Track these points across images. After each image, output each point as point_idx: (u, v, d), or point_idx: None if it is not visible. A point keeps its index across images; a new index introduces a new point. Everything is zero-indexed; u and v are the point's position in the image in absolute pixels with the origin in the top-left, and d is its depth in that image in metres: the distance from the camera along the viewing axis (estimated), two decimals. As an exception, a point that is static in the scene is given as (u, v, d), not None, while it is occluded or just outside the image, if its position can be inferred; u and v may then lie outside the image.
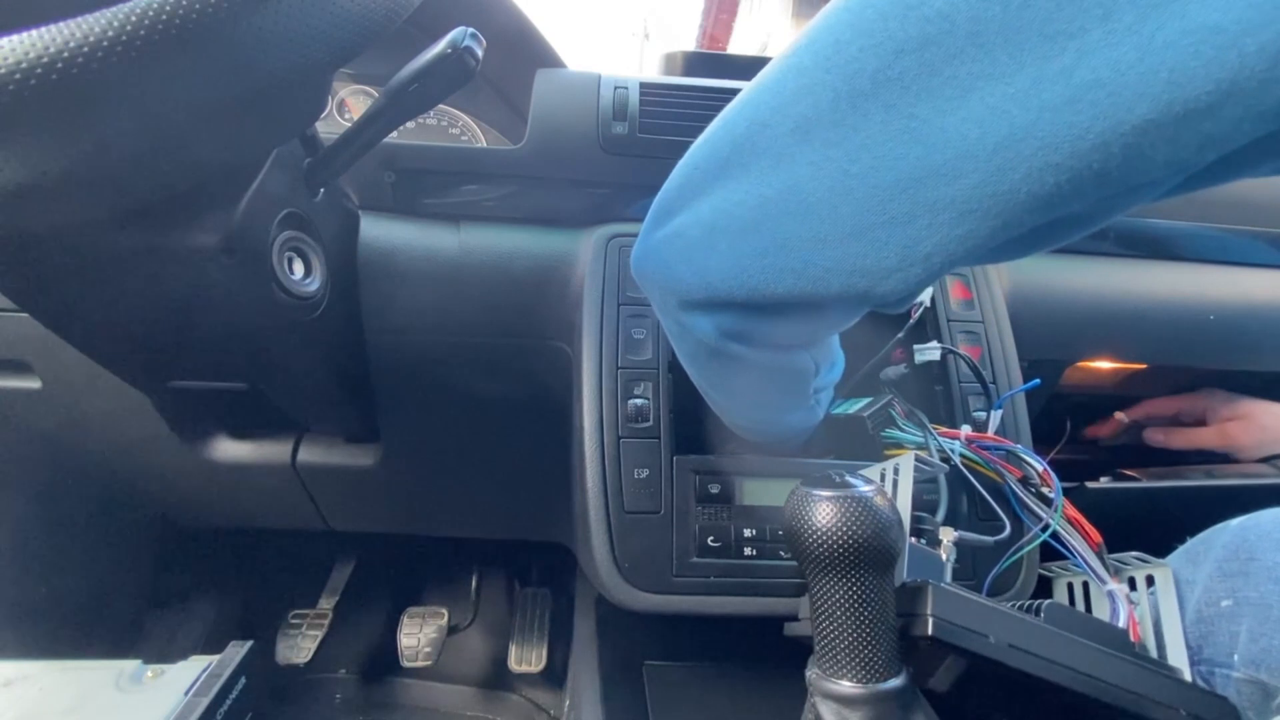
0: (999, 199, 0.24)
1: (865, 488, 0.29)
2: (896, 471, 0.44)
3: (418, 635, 0.87)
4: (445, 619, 0.90)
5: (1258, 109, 0.20)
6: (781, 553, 0.49)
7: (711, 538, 0.49)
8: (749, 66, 0.71)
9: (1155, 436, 0.75)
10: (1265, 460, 0.70)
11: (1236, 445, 0.71)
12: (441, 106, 0.70)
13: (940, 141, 0.24)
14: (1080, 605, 0.50)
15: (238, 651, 0.49)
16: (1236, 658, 0.40)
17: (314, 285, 0.49)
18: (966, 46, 0.23)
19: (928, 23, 0.23)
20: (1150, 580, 0.47)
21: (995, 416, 0.52)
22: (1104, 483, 0.69)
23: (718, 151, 0.31)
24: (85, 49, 0.24)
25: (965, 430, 0.50)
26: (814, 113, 0.26)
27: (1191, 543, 0.48)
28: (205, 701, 0.45)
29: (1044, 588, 0.53)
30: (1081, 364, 0.69)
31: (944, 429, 0.51)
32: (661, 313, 0.37)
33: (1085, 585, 0.50)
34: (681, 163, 0.33)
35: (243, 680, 0.48)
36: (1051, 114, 0.22)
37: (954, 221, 0.25)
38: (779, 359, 0.37)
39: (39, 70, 0.24)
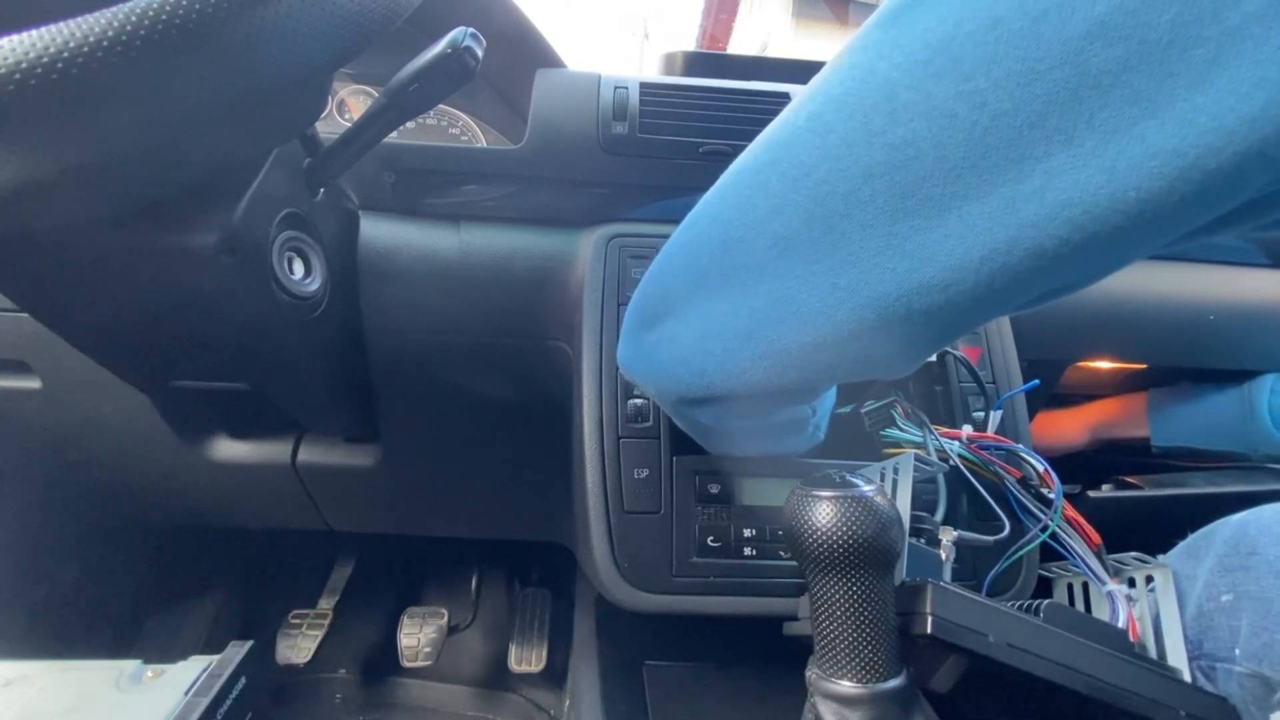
0: (992, 297, 0.24)
1: (865, 487, 0.29)
2: (896, 471, 0.44)
3: (418, 635, 0.87)
4: (445, 619, 0.89)
5: (1227, 208, 0.21)
6: (781, 553, 0.49)
7: (711, 538, 0.49)
8: (749, 66, 0.72)
9: None
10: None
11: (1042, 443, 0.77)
12: (441, 106, 0.70)
13: (926, 256, 0.24)
14: (1080, 606, 0.50)
15: (238, 651, 0.49)
16: (1238, 652, 0.40)
17: (314, 285, 0.49)
18: (934, 171, 0.23)
19: (893, 149, 0.24)
20: (1149, 580, 0.47)
21: (995, 417, 0.52)
22: (1106, 491, 0.69)
23: (696, 262, 0.31)
24: (85, 49, 0.24)
25: (966, 430, 0.50)
26: (789, 231, 0.27)
27: (1192, 538, 0.48)
28: (205, 701, 0.45)
29: (1044, 588, 0.53)
30: (1081, 364, 0.69)
31: (945, 429, 0.51)
32: (659, 403, 0.38)
33: (1085, 586, 0.50)
34: (658, 267, 0.34)
35: (243, 680, 0.48)
36: (1032, 229, 0.22)
37: (951, 316, 0.25)
38: (777, 419, 0.39)
39: (39, 70, 0.24)
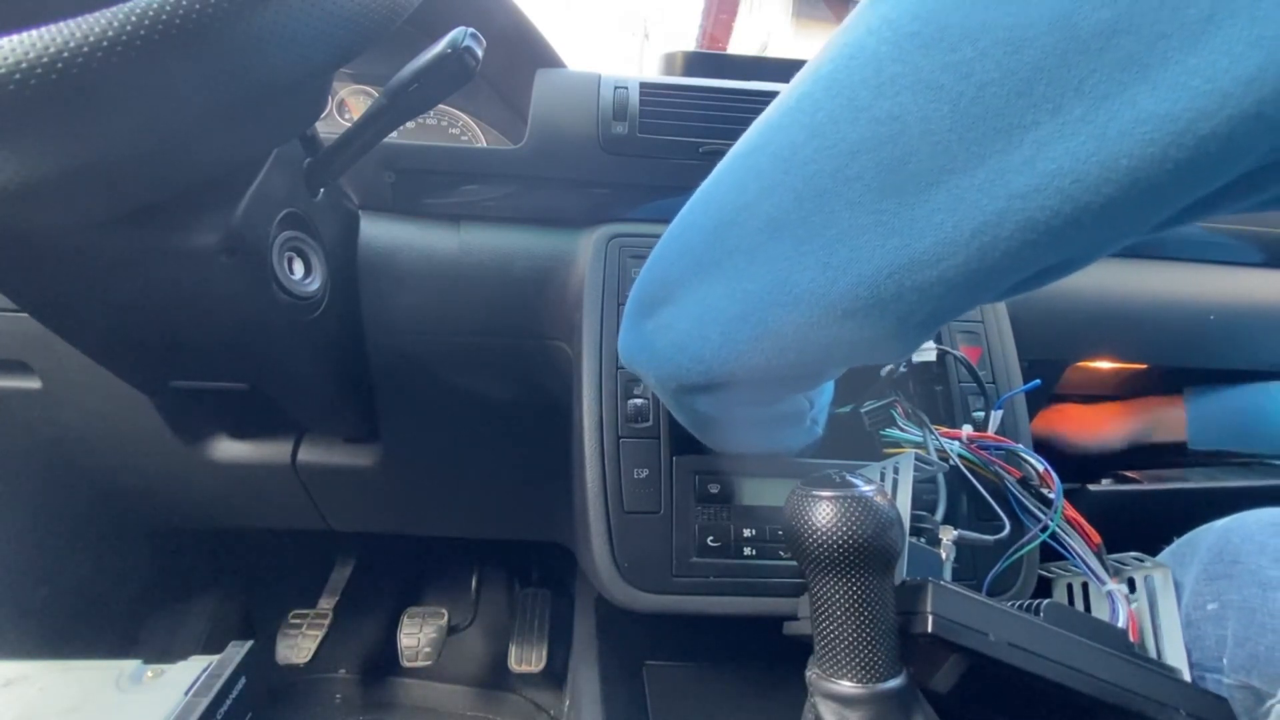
0: (984, 273, 0.24)
1: (865, 487, 0.29)
2: (896, 471, 0.44)
3: (418, 635, 0.87)
4: (445, 619, 0.89)
5: (1224, 178, 0.21)
6: (781, 553, 0.49)
7: (711, 538, 0.49)
8: (749, 66, 0.72)
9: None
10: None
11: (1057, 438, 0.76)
12: (441, 106, 0.70)
13: (915, 231, 0.24)
14: (1080, 606, 0.50)
15: (238, 651, 0.49)
16: (1225, 662, 0.40)
17: (314, 285, 0.49)
18: (921, 145, 0.23)
19: (878, 124, 0.23)
20: (1149, 580, 0.47)
21: (995, 417, 0.52)
22: (1105, 485, 0.69)
23: (690, 248, 0.31)
24: (85, 49, 0.24)
25: (966, 430, 0.50)
26: (780, 212, 0.27)
27: (1177, 544, 0.48)
28: (205, 701, 0.45)
29: (1044, 588, 0.53)
30: (1081, 364, 0.69)
31: (945, 429, 0.51)
32: (659, 393, 0.38)
33: (1084, 586, 0.50)
34: (656, 255, 0.34)
35: (243, 680, 0.48)
36: (1021, 200, 0.22)
37: (944, 294, 0.25)
38: (777, 410, 0.39)
39: (39, 70, 0.24)
